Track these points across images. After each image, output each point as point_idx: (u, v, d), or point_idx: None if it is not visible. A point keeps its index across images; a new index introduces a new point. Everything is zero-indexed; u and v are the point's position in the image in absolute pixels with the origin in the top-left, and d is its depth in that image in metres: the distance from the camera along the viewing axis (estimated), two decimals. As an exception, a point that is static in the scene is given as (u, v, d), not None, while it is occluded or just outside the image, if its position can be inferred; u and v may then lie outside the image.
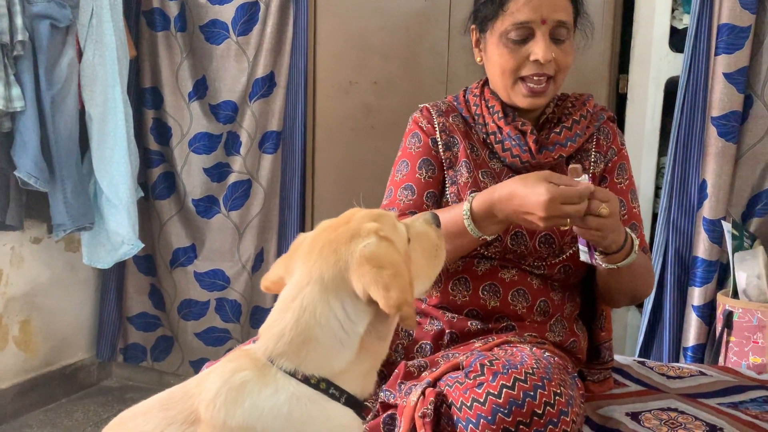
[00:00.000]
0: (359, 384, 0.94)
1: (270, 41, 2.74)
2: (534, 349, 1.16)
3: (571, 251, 1.34)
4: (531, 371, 1.01)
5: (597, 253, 1.24)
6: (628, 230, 1.25)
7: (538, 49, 1.31)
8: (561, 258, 1.35)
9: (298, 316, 0.91)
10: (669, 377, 1.57)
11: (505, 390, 0.99)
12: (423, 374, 1.17)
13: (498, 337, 1.27)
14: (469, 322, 1.33)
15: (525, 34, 1.33)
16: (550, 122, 1.42)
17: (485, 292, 1.34)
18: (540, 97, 1.35)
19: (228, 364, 0.93)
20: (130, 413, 0.95)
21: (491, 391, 0.99)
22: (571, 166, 1.19)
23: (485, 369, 1.03)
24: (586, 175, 1.19)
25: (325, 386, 0.90)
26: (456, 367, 1.11)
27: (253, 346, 0.95)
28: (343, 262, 0.91)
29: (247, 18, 2.77)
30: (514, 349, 1.15)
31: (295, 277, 0.95)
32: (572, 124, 1.39)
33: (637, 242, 1.27)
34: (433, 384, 1.09)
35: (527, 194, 1.14)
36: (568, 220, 1.13)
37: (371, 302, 0.89)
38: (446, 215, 1.27)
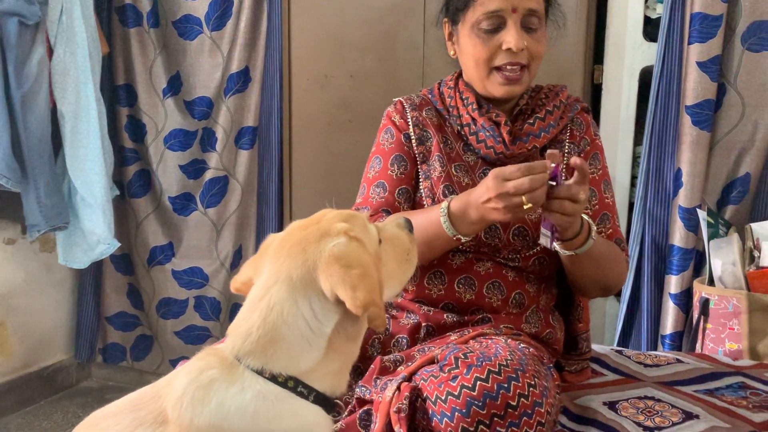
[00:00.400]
0: (329, 382, 0.93)
1: (244, 36, 2.72)
2: (509, 340, 1.16)
3: (544, 243, 1.34)
4: (505, 363, 1.01)
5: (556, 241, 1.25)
6: (584, 217, 1.26)
7: (510, 37, 1.31)
8: (535, 250, 1.35)
9: (266, 315, 0.90)
10: (646, 365, 1.59)
11: (479, 383, 0.98)
12: (399, 369, 1.17)
13: (474, 329, 1.27)
14: (445, 315, 1.33)
15: (496, 23, 1.32)
16: (524, 113, 1.42)
17: (461, 286, 1.34)
18: (515, 84, 1.35)
19: (195, 362, 0.92)
20: (101, 413, 0.94)
21: (465, 384, 0.99)
22: (548, 151, 1.19)
23: (459, 362, 1.03)
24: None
25: (293, 384, 0.90)
26: (431, 361, 1.11)
27: (221, 344, 0.94)
28: (312, 262, 0.90)
29: (221, 13, 2.74)
30: (489, 341, 1.15)
31: (264, 276, 0.94)
32: (546, 115, 1.39)
33: (594, 229, 1.27)
34: (409, 378, 1.09)
35: (480, 183, 1.18)
36: (525, 200, 1.12)
37: (339, 302, 0.89)
38: (423, 216, 1.28)
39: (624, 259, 1.40)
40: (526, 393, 0.99)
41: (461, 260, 1.35)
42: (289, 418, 0.89)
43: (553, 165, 1.15)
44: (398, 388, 1.07)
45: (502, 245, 1.33)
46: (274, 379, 0.89)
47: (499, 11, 1.31)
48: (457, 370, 1.02)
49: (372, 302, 0.85)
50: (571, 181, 1.16)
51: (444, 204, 1.24)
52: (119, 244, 2.67)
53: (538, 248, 1.35)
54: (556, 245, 1.25)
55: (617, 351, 1.68)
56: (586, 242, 1.24)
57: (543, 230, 1.22)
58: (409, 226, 1.08)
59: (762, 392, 1.45)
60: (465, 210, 1.22)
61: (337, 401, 0.94)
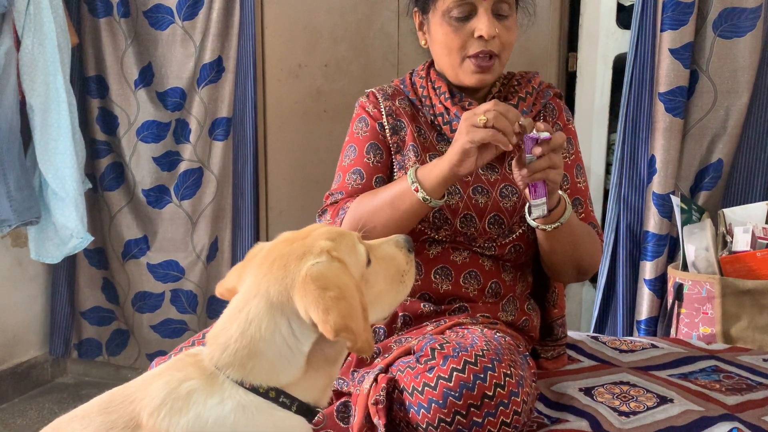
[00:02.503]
0: (311, 395, 0.93)
1: (217, 25, 2.68)
2: (485, 330, 1.16)
3: (520, 230, 1.34)
4: (481, 353, 1.01)
5: (529, 218, 1.25)
6: (561, 192, 1.25)
7: (482, 24, 1.30)
8: (511, 238, 1.35)
9: (244, 329, 0.89)
10: (621, 351, 1.60)
11: (455, 373, 0.98)
12: (375, 360, 1.16)
13: (450, 319, 1.27)
14: (421, 305, 1.33)
15: (467, 10, 1.32)
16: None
17: (437, 276, 1.33)
18: (487, 73, 1.34)
19: (175, 373, 0.90)
20: (67, 417, 0.92)
21: (442, 375, 0.99)
22: (522, 119, 1.17)
23: (436, 353, 1.02)
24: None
25: (275, 395, 0.89)
26: (408, 352, 1.10)
27: (201, 351, 0.93)
28: (290, 279, 0.89)
29: (193, 2, 2.70)
30: (466, 332, 1.15)
31: (245, 287, 0.93)
32: (518, 102, 1.39)
33: (569, 202, 1.26)
34: (386, 370, 1.09)
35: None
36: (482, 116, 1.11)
37: (315, 323, 0.87)
38: (391, 185, 1.28)
39: (598, 241, 1.40)
40: (502, 383, 0.99)
41: (437, 250, 1.35)
42: (270, 429, 0.88)
43: (537, 132, 1.14)
44: (375, 379, 1.06)
45: (478, 234, 1.33)
46: (254, 390, 0.88)
47: None
48: (433, 361, 1.02)
49: (345, 327, 0.84)
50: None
51: (414, 166, 1.25)
52: (92, 238, 2.63)
53: (514, 236, 1.35)
54: (539, 222, 1.24)
55: (593, 337, 1.69)
56: (564, 213, 1.24)
57: (535, 201, 1.19)
58: (408, 245, 1.05)
59: (735, 375, 1.47)
60: (432, 165, 1.22)
61: (319, 409, 0.93)
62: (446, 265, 1.34)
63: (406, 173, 1.31)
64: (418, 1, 1.42)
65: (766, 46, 2.19)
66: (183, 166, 2.80)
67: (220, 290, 1.00)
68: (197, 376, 0.89)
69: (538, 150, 1.13)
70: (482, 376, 0.99)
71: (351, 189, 1.37)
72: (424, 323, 1.30)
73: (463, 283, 1.33)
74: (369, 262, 0.97)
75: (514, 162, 1.18)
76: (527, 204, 1.25)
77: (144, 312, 2.92)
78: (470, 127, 1.14)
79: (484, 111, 1.14)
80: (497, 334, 1.14)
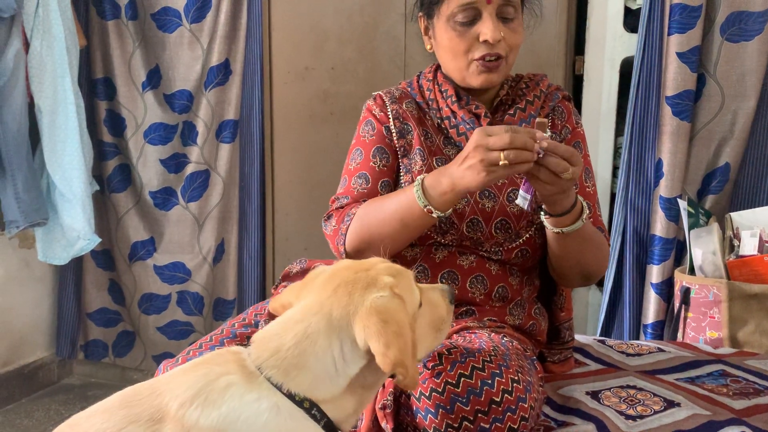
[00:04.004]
0: (340, 415, 0.93)
1: (224, 28, 2.69)
2: (492, 335, 1.15)
3: (527, 235, 1.34)
4: (488, 359, 1.01)
5: (543, 214, 1.24)
6: (580, 198, 1.25)
7: (486, 29, 1.30)
8: (518, 242, 1.35)
9: (299, 340, 0.90)
10: (628, 355, 1.59)
11: (463, 379, 0.98)
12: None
13: (457, 322, 1.27)
14: (428, 309, 1.32)
15: (472, 15, 1.32)
16: (504, 104, 1.41)
17: (444, 280, 1.33)
18: (493, 72, 1.33)
19: (215, 367, 0.90)
20: (86, 413, 0.92)
21: (449, 380, 0.99)
22: (537, 119, 1.17)
23: (443, 358, 1.02)
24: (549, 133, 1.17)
25: (309, 405, 0.90)
26: (414, 356, 1.10)
27: (243, 351, 0.93)
28: (354, 307, 0.91)
29: (200, 5, 2.71)
30: (473, 336, 1.15)
31: (306, 302, 0.95)
32: (526, 105, 1.39)
33: (587, 212, 1.26)
34: (392, 374, 1.08)
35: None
36: (503, 156, 1.08)
37: (369, 352, 0.89)
38: (397, 193, 1.27)
39: (607, 247, 1.40)
40: (510, 389, 0.99)
41: (444, 254, 1.35)
42: None
43: (546, 135, 1.14)
44: (383, 384, 1.06)
45: (485, 238, 1.33)
46: (291, 396, 0.89)
47: (473, 3, 1.31)
48: (440, 366, 1.02)
49: (401, 363, 0.86)
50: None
51: (419, 177, 1.23)
52: (99, 240, 2.64)
53: (521, 240, 1.34)
54: (544, 219, 1.24)
55: (600, 341, 1.68)
56: (575, 222, 1.23)
57: (522, 193, 1.19)
58: (451, 296, 1.06)
59: (742, 379, 1.46)
60: (438, 179, 1.20)
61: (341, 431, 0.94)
62: (453, 269, 1.34)
63: (412, 180, 1.31)
64: (422, 6, 1.42)
65: (774, 49, 2.18)
66: (190, 168, 2.81)
67: (274, 305, 1.02)
68: (237, 372, 0.89)
69: (544, 144, 1.12)
70: (490, 381, 0.98)
71: (357, 193, 1.37)
72: (431, 327, 1.30)
73: (470, 288, 1.33)
74: (420, 304, 0.99)
75: None
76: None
77: (150, 314, 2.92)
78: (489, 167, 1.10)
79: (500, 147, 1.09)
80: (504, 338, 1.14)
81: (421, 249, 1.35)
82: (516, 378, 1.00)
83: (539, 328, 1.38)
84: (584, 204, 1.26)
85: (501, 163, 1.08)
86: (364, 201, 1.34)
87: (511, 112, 1.38)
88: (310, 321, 0.91)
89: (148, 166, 2.82)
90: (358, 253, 1.31)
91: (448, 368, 1.01)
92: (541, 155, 1.12)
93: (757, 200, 2.24)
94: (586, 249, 1.31)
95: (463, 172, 1.14)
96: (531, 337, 1.37)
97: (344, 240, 1.32)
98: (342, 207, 1.36)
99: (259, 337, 0.93)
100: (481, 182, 1.12)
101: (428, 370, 1.03)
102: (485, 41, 1.31)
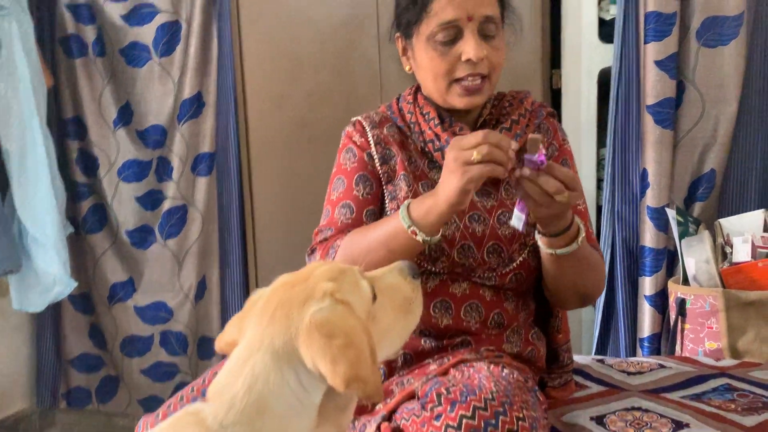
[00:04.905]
0: None
1: (195, 60, 2.65)
2: (492, 367, 1.10)
3: (521, 258, 1.29)
4: (491, 396, 0.95)
5: (537, 235, 1.20)
6: (577, 219, 1.21)
7: (469, 47, 1.26)
8: (512, 266, 1.29)
9: (251, 384, 0.83)
10: (629, 374, 1.55)
11: (465, 420, 0.92)
12: (377, 407, 1.10)
13: (453, 356, 1.21)
14: (422, 341, 1.27)
15: (453, 34, 1.27)
16: (488, 124, 1.37)
17: (437, 310, 1.28)
18: (476, 95, 1.29)
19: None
20: None
21: (450, 423, 0.93)
22: (530, 135, 1.12)
23: (442, 398, 0.96)
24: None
25: None
26: (411, 396, 1.04)
27: (203, 409, 0.86)
28: (294, 329, 0.83)
29: (169, 38, 2.67)
30: (471, 370, 1.09)
31: (247, 338, 0.87)
32: (511, 124, 1.34)
33: (583, 234, 1.22)
34: (389, 417, 1.02)
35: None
36: (475, 153, 1.05)
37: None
38: (383, 222, 1.22)
39: (603, 266, 1.35)
40: (516, 427, 0.93)
41: (435, 282, 1.29)
42: None
43: (542, 151, 1.09)
44: (378, 428, 1.00)
45: (477, 264, 1.28)
46: None
47: (454, 21, 1.26)
48: (440, 408, 0.96)
49: (355, 377, 0.78)
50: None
51: (406, 201, 1.20)
52: (76, 284, 2.56)
53: (514, 264, 1.29)
54: (540, 242, 1.20)
55: (599, 360, 1.64)
56: (571, 244, 1.19)
57: (516, 212, 1.14)
58: (413, 271, 1.00)
59: (749, 393, 1.42)
60: (422, 199, 1.17)
61: None
62: (445, 298, 1.28)
63: (398, 207, 1.26)
64: (400, 26, 1.38)
65: (751, 53, 2.17)
66: (167, 205, 2.74)
67: (219, 345, 0.94)
68: None
69: (527, 171, 1.08)
70: (494, 422, 0.93)
71: (341, 224, 1.31)
72: (426, 361, 1.24)
73: (464, 316, 1.28)
74: (374, 297, 0.92)
75: (514, 185, 1.13)
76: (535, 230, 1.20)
77: (133, 356, 2.84)
78: (464, 166, 1.08)
79: (474, 145, 1.08)
80: (505, 370, 1.08)
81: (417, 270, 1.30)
82: (521, 415, 0.95)
83: (538, 353, 1.33)
84: (580, 225, 1.21)
85: (473, 158, 1.05)
86: (350, 231, 1.29)
87: (497, 132, 1.33)
88: (255, 359, 0.84)
89: (124, 205, 2.75)
90: None
91: (448, 409, 0.95)
92: (543, 166, 1.08)
93: (744, 205, 2.22)
94: (583, 270, 1.26)
95: (442, 182, 1.12)
96: (530, 363, 1.31)
97: None
98: (326, 239, 1.31)
99: (213, 391, 0.86)
100: (458, 185, 1.08)
101: (427, 412, 0.97)
102: (468, 60, 1.26)
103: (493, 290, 1.30)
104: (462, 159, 1.08)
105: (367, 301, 0.90)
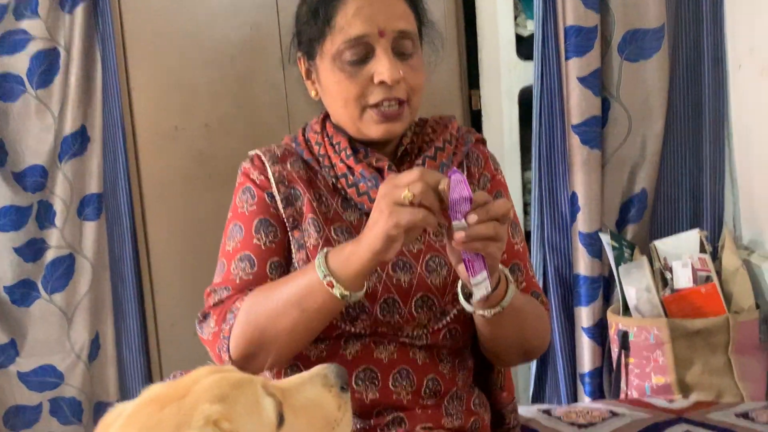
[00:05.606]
0: None
1: (76, 91, 2.38)
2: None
3: (455, 311, 1.09)
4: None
5: (465, 300, 1.01)
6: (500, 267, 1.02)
7: (382, 67, 1.06)
8: (445, 321, 1.09)
9: None
10: (580, 426, 1.42)
11: None
12: None
13: (384, 442, 1.00)
14: (345, 421, 1.05)
15: (362, 52, 1.08)
16: (410, 154, 1.17)
17: (360, 382, 1.06)
18: (395, 121, 1.10)
19: None
20: None
21: None
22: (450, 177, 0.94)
23: None
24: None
25: None
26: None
27: None
28: None
29: (46, 67, 2.40)
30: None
31: None
32: (436, 153, 1.15)
33: (511, 281, 1.03)
34: None
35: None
36: (408, 190, 0.90)
37: None
38: (294, 276, 1.02)
39: (546, 314, 1.17)
40: None
41: (356, 348, 1.07)
42: None
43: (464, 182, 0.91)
44: None
45: (405, 321, 1.07)
46: None
47: (363, 37, 1.07)
48: None
49: None
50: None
51: (324, 249, 1.00)
52: (-56, 353, 2.24)
53: (448, 318, 1.09)
54: (476, 306, 1.01)
55: (545, 411, 1.48)
56: (506, 294, 1.01)
57: (475, 279, 0.94)
58: (341, 380, 0.78)
59: (712, 440, 1.30)
60: (343, 246, 0.98)
61: None
62: (370, 366, 1.07)
63: (307, 258, 1.05)
64: (301, 45, 1.18)
65: (674, 66, 2.09)
66: (50, 255, 2.45)
67: None
68: None
69: (473, 218, 0.89)
70: None
71: (239, 282, 1.09)
72: (351, 450, 1.02)
73: (394, 387, 1.06)
74: (282, 420, 0.69)
75: (446, 232, 0.93)
76: (459, 283, 1.00)
77: (19, 429, 2.51)
78: (393, 206, 0.90)
79: (408, 183, 0.90)
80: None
81: (327, 344, 1.08)
82: None
83: (483, 424, 1.13)
84: (507, 274, 1.03)
85: (404, 196, 0.89)
86: (251, 291, 1.06)
87: (419, 161, 1.14)
88: None
89: (1, 257, 2.43)
90: (246, 359, 1.02)
91: None
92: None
93: (677, 225, 2.15)
94: (524, 322, 1.08)
95: (369, 225, 0.94)
96: (475, 436, 1.11)
97: (227, 345, 1.03)
98: (222, 301, 1.08)
99: None
100: (383, 228, 0.91)
101: None
102: (382, 82, 1.07)
103: (426, 351, 1.09)
104: (391, 198, 0.90)
105: (270, 428, 0.67)
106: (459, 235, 0.90)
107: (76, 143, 2.42)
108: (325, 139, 1.17)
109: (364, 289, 0.99)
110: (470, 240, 0.90)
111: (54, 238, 2.45)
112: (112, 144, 2.41)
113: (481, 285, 0.94)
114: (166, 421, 0.62)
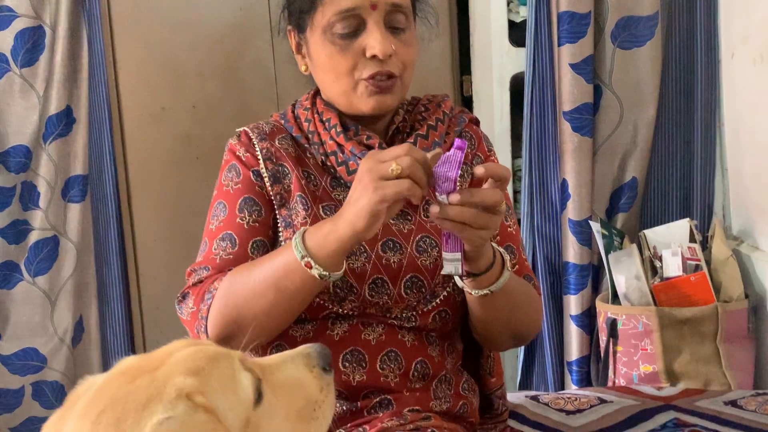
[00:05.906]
0: None
1: (62, 70, 2.35)
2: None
3: (445, 293, 1.08)
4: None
5: (460, 278, 1.00)
6: (494, 245, 1.01)
7: (374, 41, 1.04)
8: (435, 303, 1.08)
9: None
10: (568, 413, 1.40)
11: None
12: None
13: (371, 424, 0.98)
14: (331, 403, 1.03)
15: (354, 24, 1.06)
16: (402, 132, 1.15)
17: (347, 363, 1.04)
18: (387, 94, 1.08)
19: None
20: None
21: None
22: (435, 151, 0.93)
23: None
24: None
25: None
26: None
27: None
28: None
29: (31, 45, 2.36)
30: (394, 447, 0.86)
31: None
32: (428, 131, 1.13)
33: (508, 259, 1.03)
34: None
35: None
36: (394, 165, 0.87)
37: None
38: (272, 256, 1.00)
39: (538, 300, 1.16)
40: None
41: (344, 329, 1.05)
42: None
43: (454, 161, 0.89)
44: None
45: (394, 302, 1.05)
46: None
47: (354, 9, 1.05)
48: None
49: None
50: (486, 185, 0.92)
51: (301, 228, 0.98)
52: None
53: (438, 300, 1.08)
54: (465, 283, 1.00)
55: (532, 398, 1.47)
56: (501, 276, 1.00)
57: (447, 255, 0.93)
58: (324, 361, 0.74)
59: (700, 428, 1.29)
60: (321, 224, 0.95)
61: None
62: (357, 348, 1.05)
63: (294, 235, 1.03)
64: (291, 17, 1.15)
65: (666, 54, 2.08)
66: (34, 237, 2.42)
67: None
68: None
69: (455, 197, 0.87)
70: None
71: (219, 261, 1.06)
72: (338, 431, 1.00)
73: (381, 369, 1.04)
74: (260, 397, 0.66)
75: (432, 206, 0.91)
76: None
77: (1, 413, 2.48)
78: (378, 181, 0.87)
79: (394, 157, 0.88)
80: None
81: (314, 325, 1.06)
82: None
83: (471, 408, 1.11)
84: (501, 251, 1.02)
85: (391, 169, 0.86)
86: (231, 270, 1.04)
87: (411, 140, 1.12)
88: None
89: (-17, 239, 2.41)
90: (225, 339, 1.00)
91: None
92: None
93: (667, 214, 2.13)
94: (516, 306, 1.07)
95: (349, 202, 0.91)
96: (462, 420, 1.10)
97: (205, 325, 1.01)
98: (201, 281, 1.05)
99: None
100: (366, 204, 0.88)
101: None
102: (373, 56, 1.05)
103: (414, 333, 1.08)
104: (377, 172, 0.88)
105: (246, 404, 0.64)
106: (434, 209, 0.89)
107: (61, 123, 2.38)
108: (315, 115, 1.15)
109: (343, 268, 0.97)
110: (442, 218, 0.88)
111: (38, 219, 2.42)
112: (97, 125, 2.38)
113: (450, 263, 0.93)
114: (137, 393, 0.60)
